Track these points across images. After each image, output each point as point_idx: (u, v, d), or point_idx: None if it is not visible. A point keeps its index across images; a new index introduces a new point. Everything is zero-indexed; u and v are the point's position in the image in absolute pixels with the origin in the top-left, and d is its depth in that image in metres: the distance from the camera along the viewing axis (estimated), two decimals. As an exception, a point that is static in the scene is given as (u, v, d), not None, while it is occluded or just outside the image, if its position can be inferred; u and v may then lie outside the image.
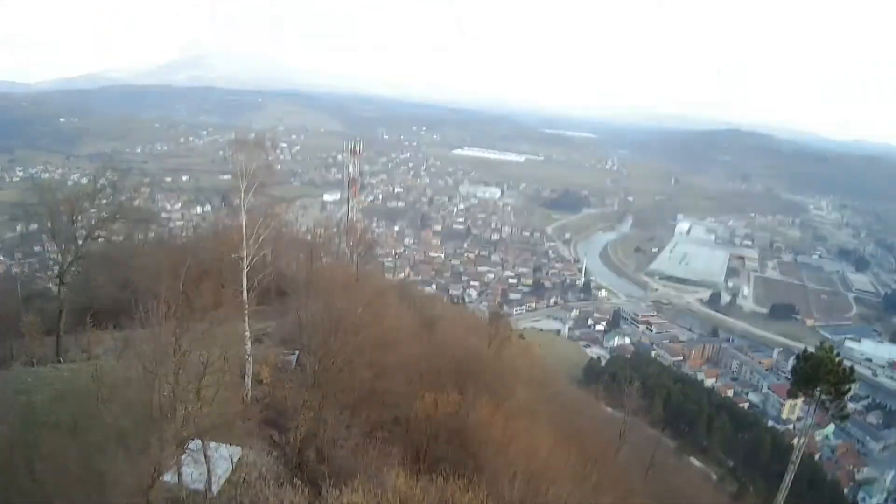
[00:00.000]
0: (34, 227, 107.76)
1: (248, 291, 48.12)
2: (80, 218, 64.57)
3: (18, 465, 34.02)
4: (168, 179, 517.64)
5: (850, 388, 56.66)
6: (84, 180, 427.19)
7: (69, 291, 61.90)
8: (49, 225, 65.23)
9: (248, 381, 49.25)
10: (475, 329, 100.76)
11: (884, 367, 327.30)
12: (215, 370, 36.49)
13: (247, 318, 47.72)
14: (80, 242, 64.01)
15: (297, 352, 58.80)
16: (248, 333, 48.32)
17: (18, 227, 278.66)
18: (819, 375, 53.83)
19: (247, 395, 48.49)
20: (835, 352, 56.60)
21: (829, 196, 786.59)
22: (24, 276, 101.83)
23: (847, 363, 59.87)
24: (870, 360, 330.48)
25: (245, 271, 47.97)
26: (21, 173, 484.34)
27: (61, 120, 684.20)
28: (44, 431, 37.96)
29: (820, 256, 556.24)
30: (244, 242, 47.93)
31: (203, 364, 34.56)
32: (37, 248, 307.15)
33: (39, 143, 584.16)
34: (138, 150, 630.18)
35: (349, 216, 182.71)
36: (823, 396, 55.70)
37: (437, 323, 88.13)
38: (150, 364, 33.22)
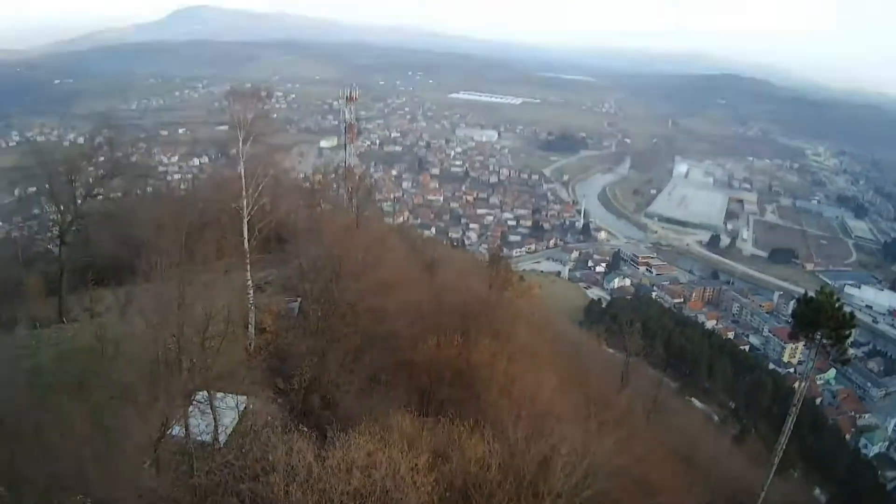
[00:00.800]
0: (32, 189, 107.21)
1: (248, 241, 47.67)
2: (77, 177, 63.18)
3: (26, 428, 33.94)
4: (164, 133, 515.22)
5: (850, 333, 56.10)
6: (80, 140, 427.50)
7: (69, 251, 61.40)
8: (47, 186, 64.30)
9: (252, 329, 48.88)
10: (476, 272, 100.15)
11: (884, 314, 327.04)
12: (219, 321, 36.17)
13: (248, 268, 47.53)
14: (78, 202, 63.46)
15: (299, 299, 58.37)
16: (250, 283, 48.14)
17: (17, 191, 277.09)
18: (820, 320, 53.24)
19: (250, 344, 48.09)
20: (835, 297, 55.88)
21: (827, 142, 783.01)
22: (24, 240, 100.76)
23: (847, 309, 58.85)
24: (870, 307, 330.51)
25: (245, 221, 47.52)
26: (17, 137, 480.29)
27: (56, 82, 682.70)
28: (50, 393, 37.91)
29: (819, 202, 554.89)
30: (243, 192, 47.50)
31: (207, 316, 34.15)
32: (35, 212, 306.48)
33: (35, 107, 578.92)
34: (134, 107, 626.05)
35: (346, 162, 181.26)
36: (824, 341, 54.86)
37: (438, 266, 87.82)
38: (153, 318, 32.97)
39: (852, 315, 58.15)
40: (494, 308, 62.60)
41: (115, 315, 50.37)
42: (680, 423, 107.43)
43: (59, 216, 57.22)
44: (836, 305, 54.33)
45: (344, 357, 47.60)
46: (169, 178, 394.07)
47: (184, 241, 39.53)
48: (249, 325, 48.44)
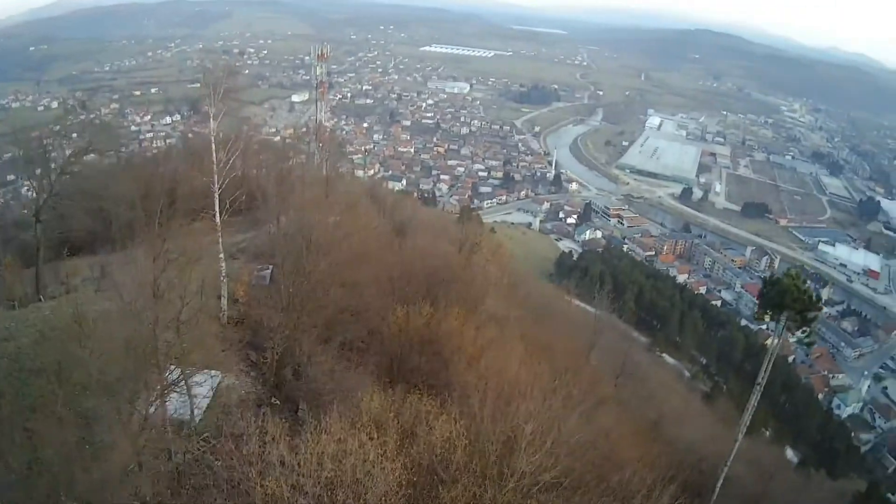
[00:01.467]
0: (7, 156, 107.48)
1: (220, 213, 47.30)
2: (52, 153, 62.06)
3: (7, 415, 34.35)
4: (137, 93, 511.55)
5: (815, 316, 56.55)
6: (54, 104, 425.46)
7: (45, 228, 60.51)
8: (22, 161, 64.14)
9: (225, 302, 49.06)
10: (446, 232, 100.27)
11: (858, 273, 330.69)
12: (192, 294, 36.74)
13: (220, 239, 47.27)
14: (52, 178, 62.90)
15: (270, 267, 58.61)
16: (221, 255, 47.92)
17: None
18: (785, 302, 53.71)
19: (223, 315, 48.58)
20: (801, 278, 56.38)
21: (803, 99, 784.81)
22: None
23: (812, 288, 59.45)
24: (844, 265, 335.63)
25: (217, 195, 47.13)
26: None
27: (31, 49, 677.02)
28: (30, 377, 38.29)
29: (793, 157, 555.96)
30: (214, 168, 47.13)
31: (181, 298, 34.55)
32: (10, 178, 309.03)
33: (9, 74, 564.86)
34: (107, 68, 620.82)
35: (318, 118, 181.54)
36: (789, 322, 55.39)
37: (409, 229, 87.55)
38: (127, 295, 33.22)
39: (819, 297, 58.82)
40: (463, 273, 62.89)
41: (91, 290, 51.16)
42: (650, 386, 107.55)
43: (34, 193, 56.28)
44: (803, 288, 54.81)
45: (315, 329, 48.00)
46: (141, 136, 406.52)
47: (158, 210, 39.18)
48: (222, 297, 48.55)
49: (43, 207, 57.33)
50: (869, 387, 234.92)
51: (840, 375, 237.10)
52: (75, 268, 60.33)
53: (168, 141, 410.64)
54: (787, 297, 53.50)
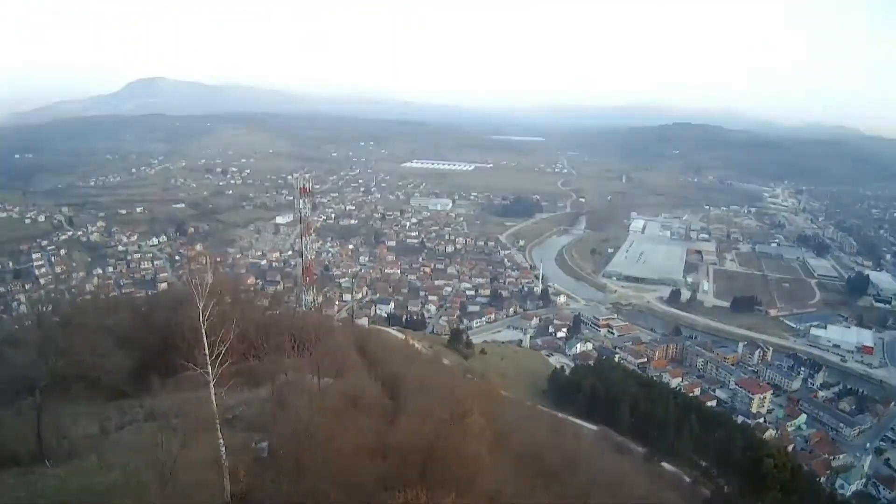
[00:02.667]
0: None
1: (213, 375, 44.33)
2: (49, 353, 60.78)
3: None
4: (123, 212, 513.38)
5: (798, 488, 56.69)
6: (41, 217, 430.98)
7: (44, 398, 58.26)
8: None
9: (227, 481, 45.63)
10: (441, 383, 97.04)
11: (852, 352, 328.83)
12: (194, 466, 39.38)
13: (214, 404, 44.48)
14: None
15: (267, 440, 55.32)
16: (218, 424, 44.93)
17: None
18: (767, 482, 53.87)
19: (227, 494, 45.62)
20: (783, 457, 56.25)
21: (784, 182, 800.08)
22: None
23: (793, 463, 59.21)
24: (837, 346, 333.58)
25: (212, 383, 44.26)
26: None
27: (16, 157, 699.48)
28: None
29: (778, 244, 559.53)
30: (208, 360, 43.70)
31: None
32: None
33: None
34: (92, 183, 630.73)
35: (304, 256, 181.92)
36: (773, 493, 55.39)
37: (401, 391, 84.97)
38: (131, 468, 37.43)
39: (800, 468, 59.29)
40: (456, 449, 60.81)
41: (94, 459, 49.59)
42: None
43: (32, 380, 54.05)
44: (783, 463, 54.85)
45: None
46: (129, 258, 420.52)
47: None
48: (225, 476, 45.35)
49: (41, 386, 54.58)
50: (871, 461, 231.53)
51: (841, 456, 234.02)
52: (74, 416, 59.41)
53: (155, 262, 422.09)
54: (769, 479, 54.13)
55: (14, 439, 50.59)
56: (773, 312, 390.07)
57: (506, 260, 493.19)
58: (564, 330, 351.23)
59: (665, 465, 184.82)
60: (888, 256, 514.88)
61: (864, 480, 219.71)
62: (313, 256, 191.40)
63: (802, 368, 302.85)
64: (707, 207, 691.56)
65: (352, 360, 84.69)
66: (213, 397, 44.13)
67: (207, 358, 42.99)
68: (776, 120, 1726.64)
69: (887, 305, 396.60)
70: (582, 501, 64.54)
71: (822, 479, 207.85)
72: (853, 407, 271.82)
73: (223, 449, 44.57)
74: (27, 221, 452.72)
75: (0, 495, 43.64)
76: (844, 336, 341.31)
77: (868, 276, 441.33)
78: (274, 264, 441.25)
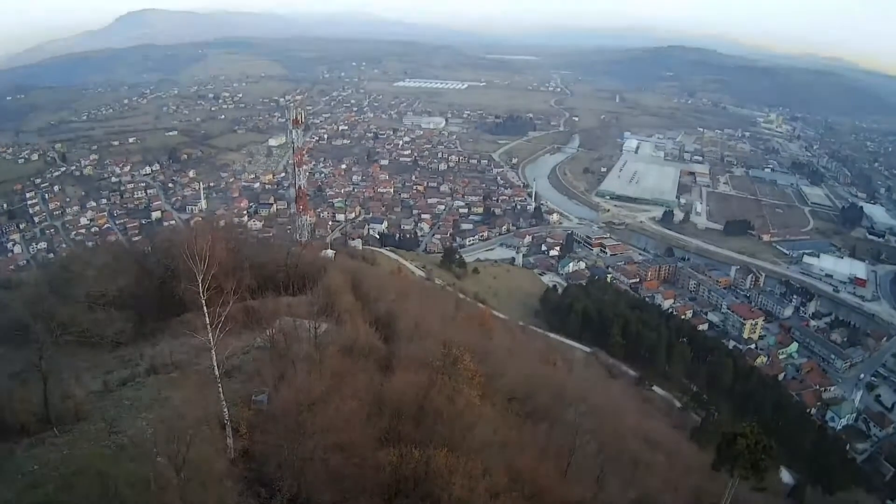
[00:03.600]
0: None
1: (212, 334, 43.74)
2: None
3: None
4: (115, 143, 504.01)
5: (767, 466, 55.76)
6: (35, 156, 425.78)
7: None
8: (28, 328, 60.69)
9: (229, 432, 46.33)
10: (432, 328, 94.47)
11: (845, 282, 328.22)
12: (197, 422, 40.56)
13: (216, 367, 44.19)
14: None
15: (266, 390, 54.68)
16: (219, 379, 44.88)
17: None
18: (739, 461, 53.17)
19: (229, 451, 46.07)
20: (756, 436, 55.08)
21: (779, 109, 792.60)
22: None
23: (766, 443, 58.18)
24: (830, 275, 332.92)
25: (213, 350, 43.99)
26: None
27: (8, 98, 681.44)
28: None
29: (772, 170, 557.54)
30: (205, 315, 43.46)
31: (187, 442, 35.92)
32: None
33: None
34: (84, 118, 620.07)
35: (296, 185, 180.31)
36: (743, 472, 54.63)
37: (394, 334, 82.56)
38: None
39: (771, 446, 57.85)
40: (449, 401, 58.76)
41: (102, 426, 48.69)
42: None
43: (37, 346, 51.59)
44: (756, 443, 53.76)
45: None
46: (123, 188, 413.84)
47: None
48: (227, 430, 46.10)
49: (44, 353, 52.17)
50: (862, 396, 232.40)
51: (832, 388, 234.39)
52: (75, 369, 58.99)
53: (149, 191, 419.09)
54: (741, 459, 53.70)
55: (21, 410, 49.52)
56: (765, 237, 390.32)
57: (499, 178, 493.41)
58: (557, 249, 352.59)
59: (656, 389, 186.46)
60: (882, 190, 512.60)
61: (854, 415, 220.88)
62: (305, 179, 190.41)
63: (795, 296, 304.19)
64: (701, 130, 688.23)
65: (346, 300, 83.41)
66: (214, 362, 44.11)
67: (209, 327, 43.12)
68: (771, 47, 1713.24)
69: (881, 239, 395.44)
70: (569, 440, 63.02)
71: (812, 411, 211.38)
72: (845, 339, 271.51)
73: (226, 411, 45.45)
74: (20, 162, 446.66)
75: (13, 471, 43.13)
76: (837, 266, 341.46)
77: (862, 207, 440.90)
78: (267, 186, 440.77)
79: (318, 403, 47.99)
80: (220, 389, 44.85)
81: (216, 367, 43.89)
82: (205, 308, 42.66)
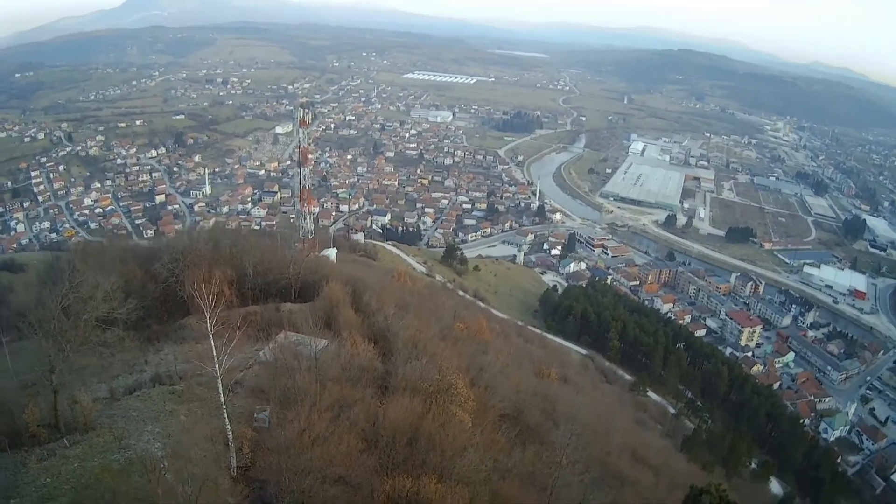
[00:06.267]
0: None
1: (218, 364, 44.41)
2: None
3: None
4: (122, 125, 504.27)
5: None
6: (41, 135, 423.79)
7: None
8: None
9: (233, 450, 47.43)
10: (430, 344, 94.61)
11: (844, 294, 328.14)
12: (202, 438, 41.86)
13: (221, 391, 45.01)
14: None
15: (268, 409, 55.22)
16: (224, 405, 45.82)
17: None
18: None
19: (233, 469, 47.20)
20: (718, 495, 55.47)
21: (786, 117, 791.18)
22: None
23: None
24: (830, 286, 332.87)
25: (219, 376, 44.58)
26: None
27: (16, 76, 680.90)
28: None
29: (777, 178, 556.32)
30: (213, 349, 44.30)
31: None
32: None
33: None
34: (91, 97, 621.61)
35: (301, 185, 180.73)
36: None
37: (392, 351, 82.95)
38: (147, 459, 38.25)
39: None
40: (442, 428, 59.38)
41: (109, 436, 50.27)
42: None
43: (49, 361, 51.98)
44: (720, 501, 54.49)
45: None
46: (128, 170, 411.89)
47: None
48: (230, 447, 47.11)
49: (55, 368, 52.57)
50: (856, 409, 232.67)
51: (827, 399, 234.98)
52: (81, 373, 58.11)
53: (154, 174, 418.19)
54: None
55: (32, 421, 49.96)
56: (767, 245, 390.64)
57: (503, 174, 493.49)
58: (559, 248, 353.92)
59: (651, 394, 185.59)
60: (886, 203, 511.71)
61: (847, 427, 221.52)
62: (309, 181, 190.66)
63: (794, 306, 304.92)
64: (707, 135, 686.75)
65: (346, 315, 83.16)
66: (220, 391, 44.82)
67: (216, 360, 43.72)
68: (780, 55, 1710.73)
69: (882, 252, 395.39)
70: (556, 459, 63.49)
71: (806, 422, 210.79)
72: (842, 350, 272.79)
73: (230, 433, 46.35)
74: (26, 140, 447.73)
75: (27, 484, 43.81)
76: (837, 278, 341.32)
77: (865, 220, 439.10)
78: (272, 174, 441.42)
79: (318, 440, 48.42)
80: (225, 412, 45.71)
81: (222, 395, 44.63)
82: (212, 341, 43.42)
